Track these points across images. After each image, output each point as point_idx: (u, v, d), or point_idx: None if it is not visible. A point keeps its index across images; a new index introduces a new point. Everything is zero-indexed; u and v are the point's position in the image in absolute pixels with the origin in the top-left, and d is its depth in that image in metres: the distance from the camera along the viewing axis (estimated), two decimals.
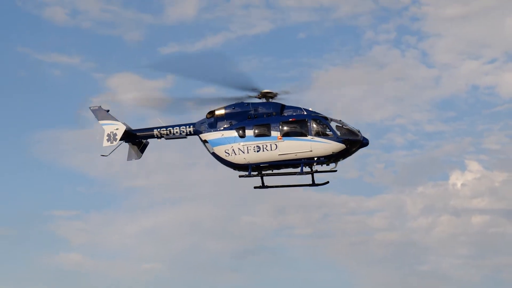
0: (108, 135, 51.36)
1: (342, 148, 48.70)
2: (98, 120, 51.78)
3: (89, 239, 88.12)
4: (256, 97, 50.66)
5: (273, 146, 48.96)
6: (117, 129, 51.35)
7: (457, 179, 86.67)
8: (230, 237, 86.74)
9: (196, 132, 51.26)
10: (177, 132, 51.72)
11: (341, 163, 49.61)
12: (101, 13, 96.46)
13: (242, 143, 49.46)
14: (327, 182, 50.65)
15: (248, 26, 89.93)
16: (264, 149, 49.06)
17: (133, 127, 52.13)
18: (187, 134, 51.69)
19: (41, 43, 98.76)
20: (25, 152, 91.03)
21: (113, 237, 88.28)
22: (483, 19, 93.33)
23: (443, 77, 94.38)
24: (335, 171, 50.23)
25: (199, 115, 51.29)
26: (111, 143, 51.31)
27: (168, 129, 51.81)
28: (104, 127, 51.62)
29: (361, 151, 49.14)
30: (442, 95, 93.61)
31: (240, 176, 50.11)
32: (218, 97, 50.73)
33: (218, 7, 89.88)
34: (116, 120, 51.62)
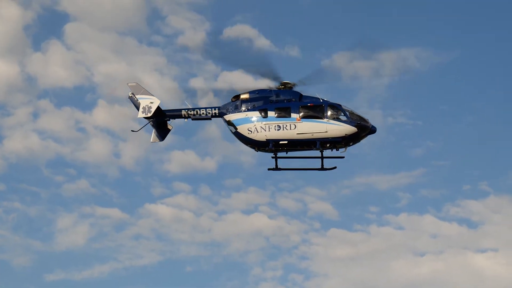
0: (144, 107, 56.49)
1: (354, 131, 54.60)
2: (135, 94, 57.05)
3: None
4: (276, 86, 56.79)
5: (292, 126, 54.68)
6: (152, 102, 56.50)
7: None
8: None
9: (221, 114, 56.71)
10: (203, 113, 57.14)
11: None
12: None
13: (264, 122, 55.09)
14: (335, 167, 56.43)
15: (136, 257, 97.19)
16: (284, 128, 54.72)
17: None
18: (212, 116, 57.09)
19: None
20: None
21: None
22: (370, 262, 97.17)
23: None
24: (343, 157, 56.22)
25: None
26: (145, 114, 56.43)
27: (195, 110, 57.20)
28: (140, 100, 56.75)
29: None
30: None
31: (259, 150, 55.59)
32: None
33: (108, 236, 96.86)
34: (152, 95, 56.91)
